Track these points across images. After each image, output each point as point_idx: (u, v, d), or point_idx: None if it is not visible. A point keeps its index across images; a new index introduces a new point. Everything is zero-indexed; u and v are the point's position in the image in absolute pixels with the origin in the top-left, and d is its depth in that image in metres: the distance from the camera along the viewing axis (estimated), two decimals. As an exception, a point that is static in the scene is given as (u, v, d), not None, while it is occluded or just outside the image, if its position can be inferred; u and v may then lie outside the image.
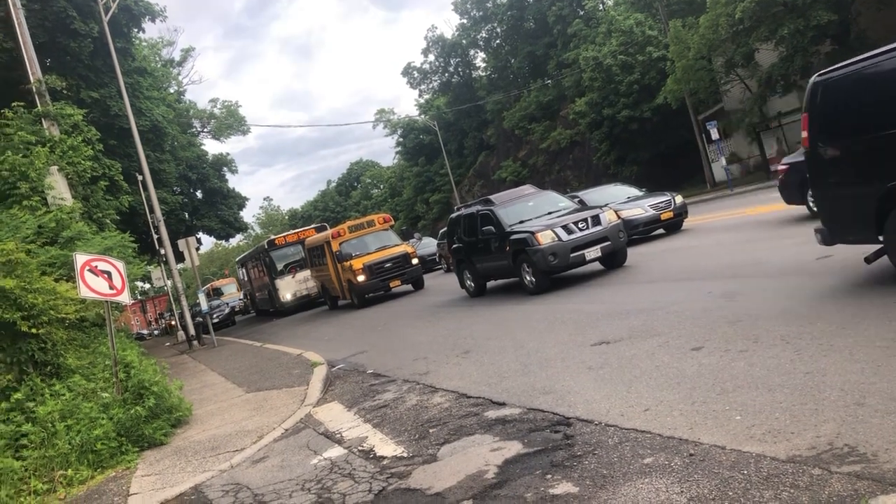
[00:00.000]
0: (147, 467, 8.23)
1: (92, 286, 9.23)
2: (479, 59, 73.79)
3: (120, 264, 9.79)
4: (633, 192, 21.43)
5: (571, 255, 13.96)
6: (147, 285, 50.71)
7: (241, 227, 51.24)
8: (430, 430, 6.93)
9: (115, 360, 9.77)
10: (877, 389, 4.87)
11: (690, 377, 6.29)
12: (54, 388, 8.98)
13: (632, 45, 42.86)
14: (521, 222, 15.19)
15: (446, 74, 75.59)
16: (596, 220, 14.47)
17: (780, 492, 3.84)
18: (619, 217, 15.53)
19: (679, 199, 19.67)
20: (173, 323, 36.69)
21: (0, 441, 7.89)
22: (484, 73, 72.39)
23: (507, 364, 8.87)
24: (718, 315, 8.30)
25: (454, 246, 18.17)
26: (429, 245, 37.16)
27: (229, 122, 51.61)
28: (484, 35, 69.31)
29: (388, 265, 23.70)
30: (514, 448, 5.72)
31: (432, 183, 76.12)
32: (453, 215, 18.84)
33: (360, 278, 23.22)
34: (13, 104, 15.84)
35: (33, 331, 9.01)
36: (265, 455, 7.68)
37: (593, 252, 14.09)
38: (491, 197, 17.31)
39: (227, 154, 55.09)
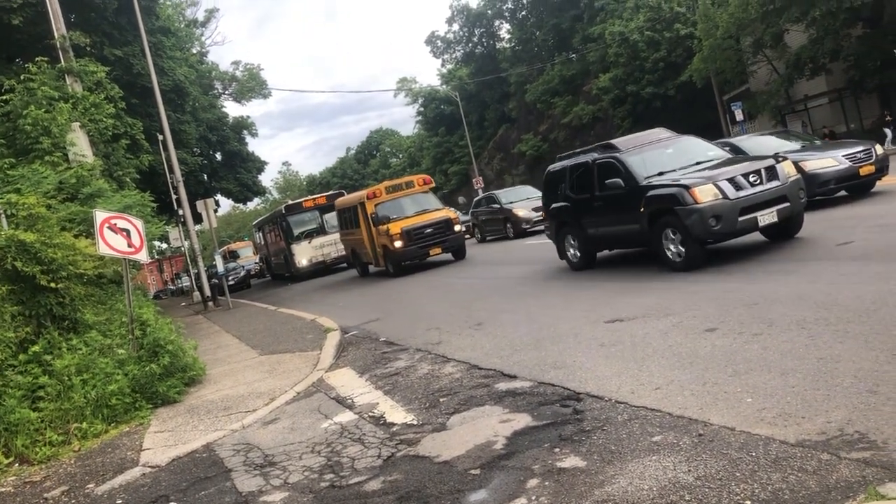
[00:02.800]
0: (160, 424, 8.36)
1: (111, 243, 9.30)
2: (504, 30, 73.12)
3: (139, 223, 9.86)
4: (792, 144, 16.09)
5: (740, 218, 10.33)
6: (165, 245, 51.11)
7: (259, 191, 51.35)
8: (441, 400, 6.97)
9: (131, 317, 9.88)
10: (890, 377, 4.85)
11: (703, 358, 6.28)
12: (71, 343, 9.10)
13: (659, 21, 42.26)
14: (661, 174, 11.44)
15: (470, 45, 74.92)
16: (772, 174, 10.73)
17: (787, 475, 3.84)
18: (798, 170, 11.81)
19: (879, 148, 14.95)
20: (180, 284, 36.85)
21: (18, 392, 8.02)
22: (508, 45, 71.68)
23: (519, 337, 8.89)
24: (734, 297, 8.26)
25: (554, 206, 14.10)
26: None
27: (251, 84, 51.45)
28: (510, 6, 68.58)
29: (428, 231, 21.24)
30: (523, 420, 5.76)
31: (451, 154, 75.84)
32: (553, 167, 14.45)
33: (398, 244, 20.86)
34: (37, 59, 15.87)
35: (52, 285, 9.11)
36: (276, 417, 7.77)
37: (768, 216, 10.45)
38: (613, 142, 13.09)
39: (248, 117, 55.02)
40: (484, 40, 74.36)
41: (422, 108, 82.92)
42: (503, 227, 26.69)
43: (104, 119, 16.29)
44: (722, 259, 10.83)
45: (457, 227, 21.77)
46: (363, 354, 10.43)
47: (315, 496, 5.23)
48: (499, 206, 27.14)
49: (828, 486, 3.65)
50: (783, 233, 11.36)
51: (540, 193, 26.34)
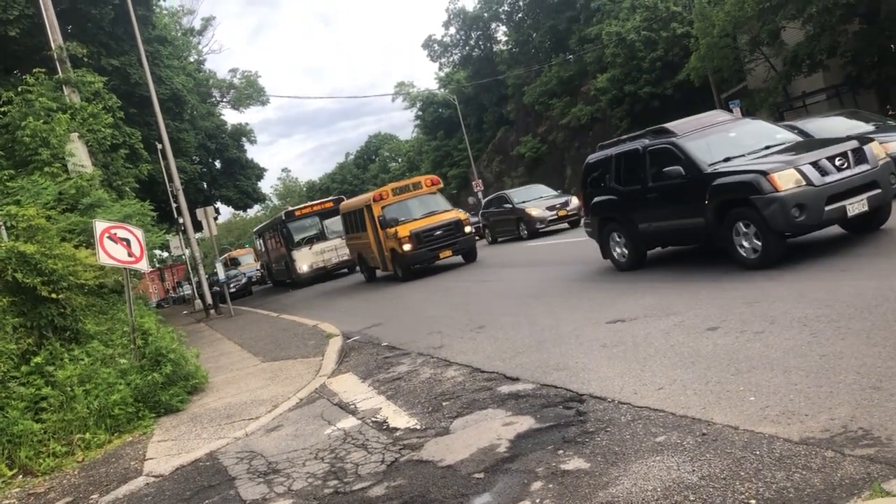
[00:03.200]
0: (163, 433, 8.35)
1: (111, 253, 9.31)
2: (501, 32, 73.00)
3: (139, 232, 9.86)
4: (864, 126, 13.90)
5: (827, 207, 8.95)
6: (165, 254, 51.11)
7: (259, 198, 51.38)
8: (444, 404, 6.97)
9: (132, 326, 9.88)
10: (894, 373, 4.84)
11: (705, 357, 6.27)
12: (73, 353, 9.10)
13: (656, 20, 42.25)
14: (728, 160, 10.06)
15: (467, 48, 74.86)
16: (860, 156, 9.40)
17: (792, 473, 3.83)
18: (887, 153, 10.20)
19: None
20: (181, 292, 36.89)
21: (20, 403, 8.02)
22: (505, 48, 71.62)
23: (521, 340, 8.88)
24: (735, 295, 8.25)
25: (597, 199, 12.65)
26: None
27: (249, 92, 51.52)
28: (506, 8, 68.53)
29: (437, 233, 20.43)
30: (526, 423, 5.75)
31: (450, 157, 75.78)
32: (595, 156, 12.97)
33: (406, 247, 20.07)
34: (35, 70, 15.89)
35: (53, 296, 9.12)
36: (280, 424, 7.76)
37: (858, 204, 9.07)
38: (667, 126, 11.50)
39: (246, 124, 55.01)
40: (481, 43, 74.32)
41: (420, 112, 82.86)
42: (516, 227, 25.69)
43: (102, 129, 16.31)
44: (720, 259, 10.80)
45: (467, 229, 20.89)
46: (365, 360, 10.42)
47: (319, 503, 5.22)
48: (511, 205, 25.93)
49: (832, 484, 3.64)
50: (867, 224, 9.96)
51: (554, 192, 27.41)
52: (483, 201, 30.88)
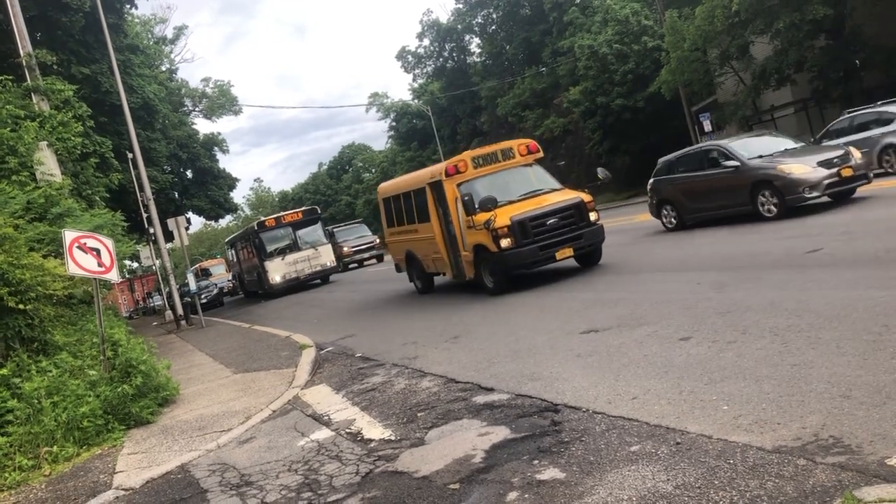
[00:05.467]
0: (133, 445, 8.22)
1: (80, 263, 9.17)
2: (474, 44, 73.35)
3: (109, 242, 9.73)
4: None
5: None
6: (136, 264, 50.51)
7: (231, 208, 51.09)
8: (419, 414, 6.94)
9: (102, 337, 9.73)
10: (863, 382, 4.91)
11: (678, 367, 6.32)
12: (41, 365, 8.94)
13: (627, 34, 42.75)
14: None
15: (441, 59, 75.10)
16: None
17: (765, 481, 3.87)
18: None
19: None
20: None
21: (-15, 416, 7.86)
22: (479, 59, 71.98)
23: (496, 350, 8.89)
24: (707, 305, 8.33)
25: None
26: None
27: (221, 101, 51.29)
28: (479, 20, 68.89)
29: (551, 222, 13.64)
30: (501, 433, 5.74)
31: (424, 168, 75.91)
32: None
33: (505, 243, 13.36)
34: (2, 78, 15.66)
35: (20, 306, 8.95)
36: (252, 436, 7.68)
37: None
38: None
39: (219, 134, 54.67)
40: (454, 55, 74.61)
41: (394, 123, 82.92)
42: (748, 197, 15.00)
43: (72, 138, 16.10)
44: (692, 267, 10.94)
45: (592, 216, 14.10)
46: (339, 370, 10.36)
47: (293, 515, 5.16)
48: (737, 162, 15.29)
49: (805, 492, 3.67)
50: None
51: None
52: (662, 162, 18.66)
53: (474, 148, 71.05)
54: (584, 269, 14.03)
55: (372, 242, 41.52)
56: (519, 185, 14.78)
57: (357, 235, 43.05)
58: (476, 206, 13.87)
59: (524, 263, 13.63)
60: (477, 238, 13.94)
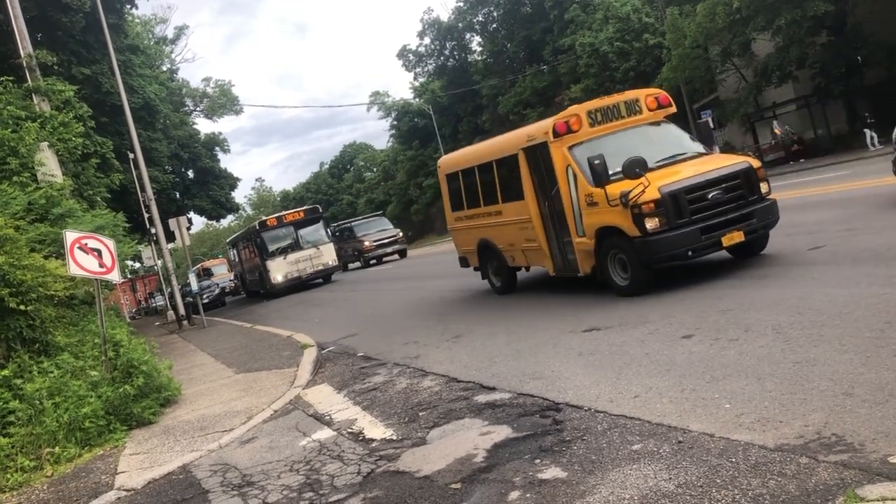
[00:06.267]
0: (135, 446, 8.22)
1: (82, 264, 9.17)
2: (475, 42, 73.33)
3: (110, 242, 9.73)
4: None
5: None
6: (137, 264, 50.52)
7: (233, 208, 50.99)
8: (420, 414, 6.93)
9: (104, 338, 9.73)
10: (865, 380, 4.89)
11: (680, 365, 6.30)
12: (42, 366, 8.93)
13: (628, 31, 42.73)
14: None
15: (442, 58, 75.08)
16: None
17: (767, 480, 3.85)
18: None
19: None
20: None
21: (-13, 417, 7.86)
22: (480, 58, 71.92)
23: (497, 349, 8.88)
24: (709, 303, 8.32)
25: None
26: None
27: (222, 101, 51.24)
28: (480, 19, 68.85)
29: (713, 195, 9.87)
30: (503, 432, 5.73)
31: (426, 167, 75.70)
32: None
33: (652, 224, 9.67)
34: (3, 79, 15.65)
35: (22, 307, 8.94)
36: (254, 436, 7.67)
37: None
38: None
39: (220, 133, 54.59)
40: (455, 53, 74.58)
41: (395, 122, 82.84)
42: None
43: (73, 138, 16.07)
44: (693, 269, 10.90)
45: (763, 188, 10.43)
46: (341, 370, 10.36)
47: (294, 515, 5.16)
48: None
49: (807, 490, 3.66)
50: None
51: None
52: None
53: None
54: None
55: (394, 236, 38.81)
56: (652, 149, 10.69)
57: (378, 229, 40.07)
58: (609, 174, 9.96)
59: (678, 253, 9.73)
60: (604, 218, 10.22)
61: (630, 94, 11.88)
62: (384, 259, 38.05)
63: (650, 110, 11.70)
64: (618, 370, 6.64)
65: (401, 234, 39.44)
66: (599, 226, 10.37)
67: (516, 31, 62.10)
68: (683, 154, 11.04)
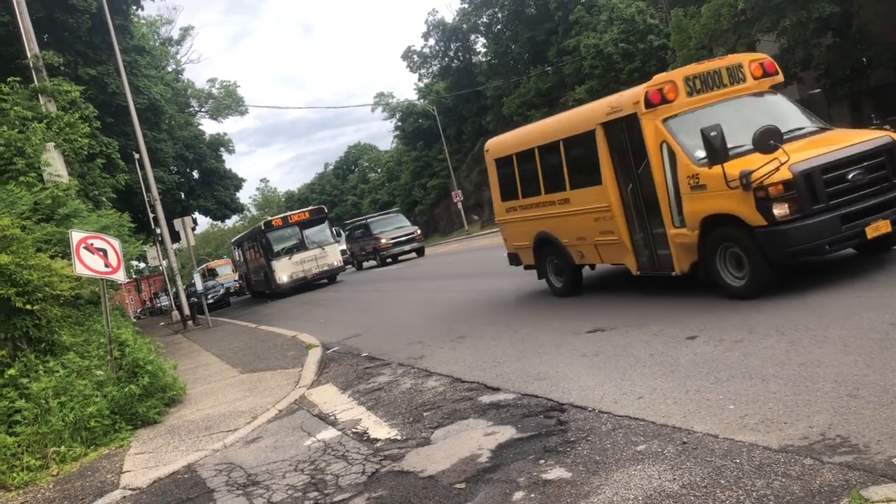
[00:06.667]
0: (140, 445, 8.25)
1: (87, 264, 9.21)
2: (480, 44, 73.40)
3: (116, 242, 9.77)
4: None
5: None
6: (142, 264, 50.66)
7: (238, 209, 51.03)
8: (425, 414, 6.94)
9: (109, 337, 9.76)
10: (870, 381, 4.89)
11: (685, 366, 6.31)
12: (48, 365, 8.97)
13: (633, 33, 42.71)
14: None
15: (446, 59, 75.15)
16: None
17: (771, 481, 3.86)
18: None
19: None
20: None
21: (-7, 416, 7.90)
22: (484, 59, 71.97)
23: (501, 350, 8.89)
24: (713, 304, 8.31)
25: None
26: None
27: (227, 102, 51.30)
28: (485, 20, 68.91)
29: (853, 176, 8.05)
30: (507, 433, 5.74)
31: (430, 168, 75.88)
32: None
33: (781, 210, 7.86)
34: (9, 79, 15.71)
35: (28, 307, 8.99)
36: (259, 435, 7.69)
37: None
38: None
39: (225, 134, 54.68)
40: (460, 54, 74.63)
41: (400, 123, 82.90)
42: None
43: (79, 139, 16.13)
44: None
45: None
46: (345, 370, 10.37)
47: (299, 515, 5.17)
48: None
49: (812, 491, 3.66)
50: None
51: None
52: None
53: (478, 148, 68.79)
54: (587, 274, 13.79)
55: (412, 234, 36.52)
56: (762, 123, 8.36)
57: (395, 226, 37.85)
58: (728, 150, 8.19)
59: (813, 246, 7.91)
60: (714, 204, 8.46)
61: (732, 59, 10.23)
62: (399, 258, 36.30)
63: (755, 78, 9.94)
64: (622, 371, 6.65)
65: (419, 231, 37.71)
66: (707, 213, 8.53)
67: (521, 32, 62.13)
68: (802, 129, 9.24)
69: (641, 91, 9.37)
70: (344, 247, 42.41)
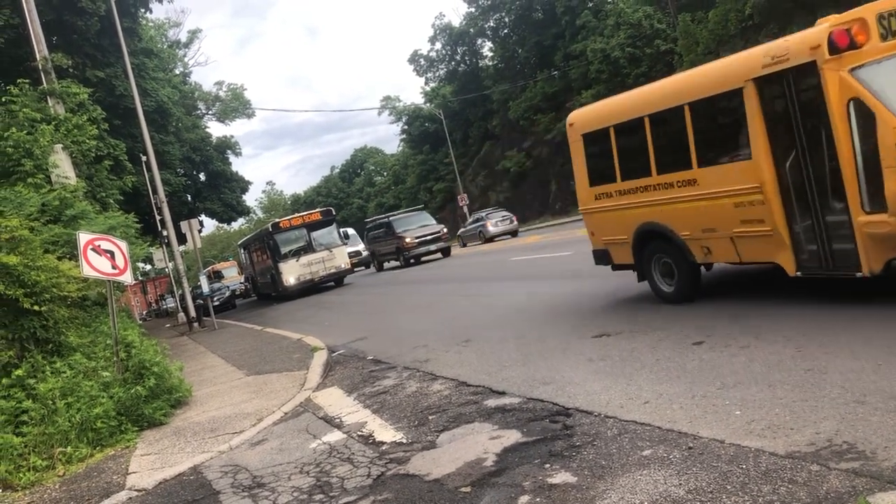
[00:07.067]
0: (146, 447, 8.26)
1: (94, 265, 9.24)
2: (487, 48, 73.52)
3: (123, 244, 9.80)
4: None
5: None
6: (149, 266, 50.77)
7: (244, 211, 51.15)
8: (430, 417, 6.95)
9: (115, 339, 9.79)
10: (877, 388, 4.88)
11: (691, 371, 6.30)
12: (55, 366, 9.00)
13: (640, 37, 42.73)
14: None
15: (453, 63, 75.27)
16: None
17: (778, 487, 3.85)
18: None
19: None
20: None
21: (0, 417, 7.92)
22: (491, 63, 72.09)
23: (507, 354, 8.89)
24: (720, 310, 8.30)
25: None
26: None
27: (234, 105, 51.55)
28: (492, 24, 69.00)
29: None
30: (513, 437, 5.74)
31: (436, 171, 75.96)
32: None
33: None
34: (19, 81, 15.81)
35: (35, 308, 9.02)
36: (264, 438, 7.71)
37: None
38: None
39: (231, 136, 55.09)
40: (467, 58, 74.75)
41: (406, 126, 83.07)
42: None
43: (87, 140, 16.20)
44: (704, 273, 10.89)
45: None
46: (350, 373, 10.38)
47: (305, 517, 5.18)
48: None
49: (818, 498, 3.65)
50: None
51: None
52: None
53: (484, 152, 67.84)
54: (594, 274, 13.81)
55: (438, 233, 34.27)
56: None
57: (420, 224, 35.64)
58: None
59: None
60: None
61: None
62: (422, 259, 34.30)
63: None
64: (628, 376, 6.64)
65: (445, 230, 35.45)
66: None
67: (528, 36, 62.20)
68: None
69: (822, 32, 7.07)
70: (358, 248, 42.25)
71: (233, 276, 52.01)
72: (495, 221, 39.55)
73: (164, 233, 26.53)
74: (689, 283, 9.37)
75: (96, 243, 9.40)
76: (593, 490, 4.39)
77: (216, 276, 51.34)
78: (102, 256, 9.37)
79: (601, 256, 11.00)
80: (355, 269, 37.84)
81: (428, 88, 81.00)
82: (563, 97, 57.81)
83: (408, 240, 33.74)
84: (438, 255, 34.14)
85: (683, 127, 8.65)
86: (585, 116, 10.84)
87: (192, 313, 26.05)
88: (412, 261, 33.91)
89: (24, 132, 14.16)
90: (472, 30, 70.84)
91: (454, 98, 71.88)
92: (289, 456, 6.78)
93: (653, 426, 5.21)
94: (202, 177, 45.19)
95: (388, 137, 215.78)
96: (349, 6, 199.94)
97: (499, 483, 4.87)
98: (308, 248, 31.20)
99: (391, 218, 37.38)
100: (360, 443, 6.69)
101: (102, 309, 12.60)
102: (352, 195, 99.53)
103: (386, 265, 36.89)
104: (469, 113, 72.57)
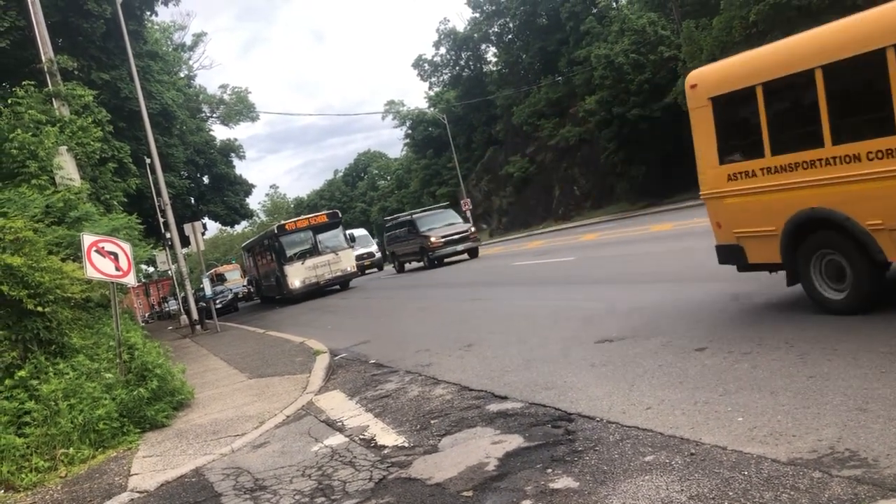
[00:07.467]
0: (148, 448, 8.27)
1: (98, 267, 9.26)
2: (491, 53, 73.67)
3: (126, 246, 9.82)
4: None
5: None
6: (152, 269, 50.79)
7: (247, 214, 51.15)
8: (432, 422, 6.95)
9: (119, 341, 9.81)
10: (879, 395, 4.88)
11: (693, 377, 6.30)
12: (58, 367, 9.01)
13: (644, 44, 42.71)
14: None
15: (457, 68, 75.39)
16: None
17: (779, 493, 3.85)
18: None
19: None
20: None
21: (3, 418, 7.93)
22: (495, 68, 72.20)
23: (509, 358, 8.89)
24: (722, 315, 8.30)
25: None
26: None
27: (238, 108, 51.61)
28: (496, 30, 69.14)
29: None
30: (515, 441, 5.74)
31: (439, 176, 76.02)
32: None
33: None
34: (24, 83, 15.85)
35: (39, 309, 9.04)
36: (266, 440, 7.71)
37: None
38: None
39: (235, 140, 55.01)
40: (471, 63, 74.87)
41: (409, 131, 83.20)
42: None
43: (91, 143, 16.23)
44: (703, 278, 10.88)
45: None
46: (353, 377, 10.39)
47: (306, 520, 5.18)
48: None
49: (820, 504, 3.66)
50: None
51: None
52: None
53: (488, 157, 67.76)
54: (597, 281, 13.88)
55: (465, 232, 31.71)
56: None
57: (446, 223, 33.02)
58: None
59: None
60: None
61: None
62: (445, 260, 31.87)
63: None
64: (630, 381, 6.64)
65: (473, 229, 32.94)
66: None
67: (532, 42, 62.29)
68: None
69: None
70: (370, 248, 41.97)
71: (235, 279, 52.05)
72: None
73: (168, 235, 26.56)
74: (866, 288, 7.15)
75: (100, 245, 9.43)
76: (595, 495, 4.39)
77: (219, 279, 51.36)
78: (106, 258, 9.40)
79: (728, 253, 8.66)
80: (367, 272, 37.45)
81: (432, 93, 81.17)
82: (566, 103, 57.87)
83: (433, 239, 31.40)
84: (465, 255, 31.77)
85: (884, 78, 6.39)
86: (716, 74, 8.53)
87: (195, 316, 26.07)
88: (436, 262, 31.79)
89: (30, 134, 14.19)
90: (476, 35, 70.98)
91: (458, 103, 71.99)
92: (291, 459, 6.78)
93: (655, 432, 5.21)
94: (206, 179, 45.26)
95: (392, 142, 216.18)
96: (355, 11, 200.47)
97: (501, 488, 4.88)
98: (314, 251, 31.02)
99: (415, 216, 35.02)
100: (361, 446, 6.69)
101: (105, 311, 12.63)
102: (355, 199, 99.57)
103: (407, 266, 35.19)
104: (473, 118, 72.68)
